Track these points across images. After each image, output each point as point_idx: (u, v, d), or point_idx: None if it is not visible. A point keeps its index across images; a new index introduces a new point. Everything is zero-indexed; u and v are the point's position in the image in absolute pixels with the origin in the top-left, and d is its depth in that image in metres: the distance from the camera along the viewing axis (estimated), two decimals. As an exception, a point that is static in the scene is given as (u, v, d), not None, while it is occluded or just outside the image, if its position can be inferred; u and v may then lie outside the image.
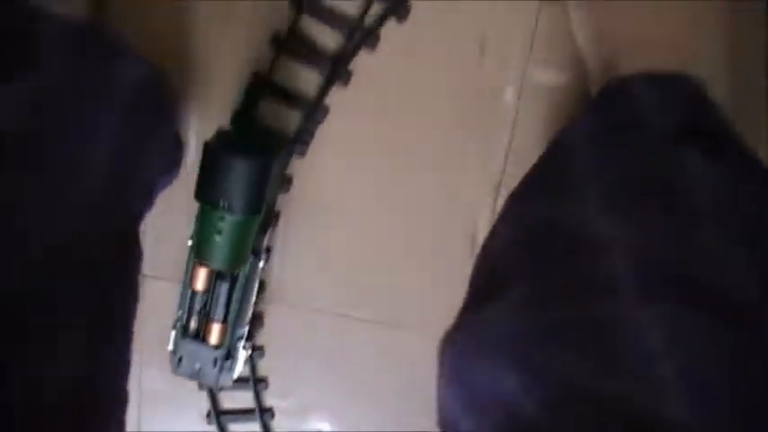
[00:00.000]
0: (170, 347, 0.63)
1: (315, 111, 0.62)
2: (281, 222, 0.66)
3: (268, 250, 0.65)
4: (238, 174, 0.53)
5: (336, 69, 0.61)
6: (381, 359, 0.69)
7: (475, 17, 0.61)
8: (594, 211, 0.43)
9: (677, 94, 0.49)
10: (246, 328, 0.64)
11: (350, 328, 0.68)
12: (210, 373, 0.63)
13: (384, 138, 0.64)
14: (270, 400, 0.71)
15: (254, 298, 0.64)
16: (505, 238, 0.48)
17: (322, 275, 0.67)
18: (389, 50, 0.62)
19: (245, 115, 0.62)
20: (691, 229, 0.41)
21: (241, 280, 0.61)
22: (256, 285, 0.64)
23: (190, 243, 0.60)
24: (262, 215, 0.57)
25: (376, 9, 0.60)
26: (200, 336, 0.62)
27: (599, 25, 0.55)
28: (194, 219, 0.56)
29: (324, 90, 0.62)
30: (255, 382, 0.69)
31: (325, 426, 0.71)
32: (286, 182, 0.64)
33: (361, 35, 0.61)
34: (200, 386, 0.69)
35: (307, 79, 0.62)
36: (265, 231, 0.63)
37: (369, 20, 0.61)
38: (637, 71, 0.49)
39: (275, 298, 0.68)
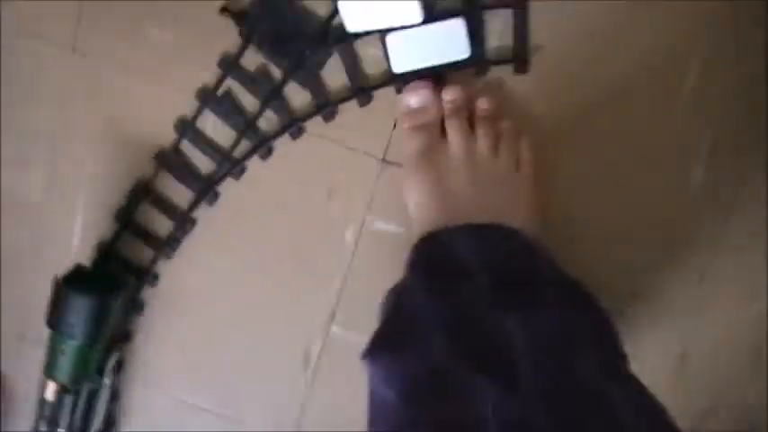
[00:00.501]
0: (25, 452, 0.73)
1: (184, 222, 0.72)
2: (147, 310, 0.75)
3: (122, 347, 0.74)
4: (79, 308, 0.65)
5: (206, 190, 0.71)
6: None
7: (328, 166, 0.69)
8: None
9: (493, 246, 0.57)
10: None
11: (193, 413, 0.76)
12: None
13: (240, 254, 0.73)
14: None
15: (102, 410, 0.74)
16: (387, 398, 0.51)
17: (176, 362, 0.76)
18: (252, 182, 0.71)
19: (124, 216, 0.72)
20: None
21: (83, 394, 0.72)
22: (104, 399, 0.74)
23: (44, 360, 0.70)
24: (102, 342, 0.68)
25: (244, 146, 0.70)
26: None
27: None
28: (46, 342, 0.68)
29: (193, 205, 0.71)
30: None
31: None
32: (139, 305, 0.75)
33: (230, 165, 0.70)
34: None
35: (182, 194, 0.72)
36: (111, 351, 0.73)
37: (237, 153, 0.70)
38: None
39: (138, 379, 0.77)
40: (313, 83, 0.68)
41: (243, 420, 0.77)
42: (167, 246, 0.72)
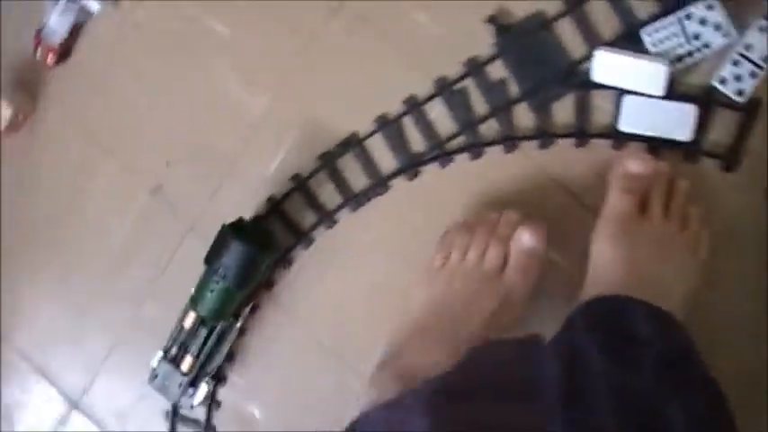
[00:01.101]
0: (153, 364, 0.82)
1: (379, 185, 0.79)
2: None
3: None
4: (237, 256, 0.75)
5: (409, 166, 0.78)
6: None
7: (524, 184, 0.76)
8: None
9: (665, 327, 0.62)
10: (214, 370, 0.84)
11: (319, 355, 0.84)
12: (174, 392, 0.82)
13: (407, 233, 0.80)
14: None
15: (225, 349, 0.83)
16: None
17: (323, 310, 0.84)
18: (446, 176, 0.78)
19: (327, 160, 0.80)
20: None
21: (218, 330, 0.82)
22: (231, 337, 0.83)
23: (192, 292, 0.79)
24: (245, 292, 0.78)
25: (459, 141, 0.77)
26: (177, 363, 0.82)
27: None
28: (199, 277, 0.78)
29: (393, 174, 0.79)
30: (211, 404, 0.87)
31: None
32: (288, 261, 0.84)
33: (439, 152, 0.77)
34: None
35: (386, 160, 0.79)
36: (252, 298, 0.82)
37: (450, 145, 0.77)
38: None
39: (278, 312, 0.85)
40: (542, 111, 0.74)
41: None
42: (355, 201, 0.80)
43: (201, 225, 0.87)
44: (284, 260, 0.84)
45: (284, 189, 0.83)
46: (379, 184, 0.79)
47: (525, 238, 0.71)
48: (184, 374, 0.86)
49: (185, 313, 0.85)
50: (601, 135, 0.74)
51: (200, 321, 0.84)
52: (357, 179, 0.80)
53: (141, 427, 0.92)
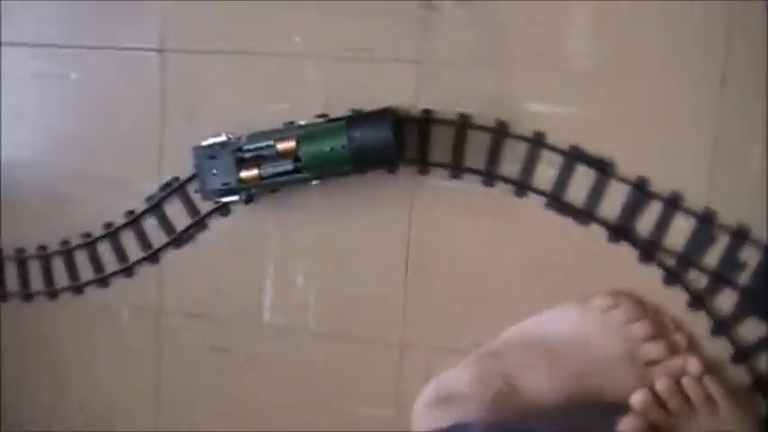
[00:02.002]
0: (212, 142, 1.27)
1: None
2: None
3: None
4: (380, 142, 1.14)
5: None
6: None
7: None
8: None
9: None
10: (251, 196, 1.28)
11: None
12: (213, 184, 1.29)
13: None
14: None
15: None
16: None
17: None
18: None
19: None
20: None
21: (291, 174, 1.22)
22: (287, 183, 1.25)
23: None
24: (351, 169, 1.18)
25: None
26: (239, 165, 1.25)
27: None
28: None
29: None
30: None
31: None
32: None
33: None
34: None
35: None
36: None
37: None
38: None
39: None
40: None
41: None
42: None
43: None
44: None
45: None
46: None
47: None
48: (238, 180, 1.21)
49: (286, 137, 1.15)
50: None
51: (294, 158, 1.15)
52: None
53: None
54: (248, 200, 1.31)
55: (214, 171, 1.26)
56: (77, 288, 1.51)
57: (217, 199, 1.30)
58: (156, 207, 1.43)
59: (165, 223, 1.43)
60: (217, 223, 1.40)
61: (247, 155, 1.23)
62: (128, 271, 1.48)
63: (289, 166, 1.19)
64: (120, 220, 1.47)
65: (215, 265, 1.43)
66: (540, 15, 1.22)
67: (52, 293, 1.53)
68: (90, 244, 1.49)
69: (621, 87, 1.21)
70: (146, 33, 1.43)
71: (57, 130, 1.51)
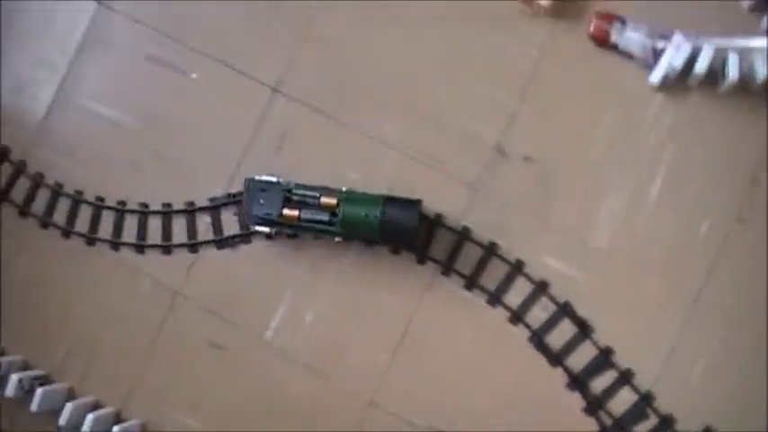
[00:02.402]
0: (266, 178, 1.53)
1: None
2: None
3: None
4: (406, 224, 1.44)
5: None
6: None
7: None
8: None
9: None
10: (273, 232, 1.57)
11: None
12: (255, 211, 1.53)
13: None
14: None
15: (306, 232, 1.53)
16: None
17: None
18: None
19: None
20: None
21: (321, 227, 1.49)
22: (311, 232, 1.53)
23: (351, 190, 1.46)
24: (376, 239, 1.43)
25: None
26: (282, 202, 1.51)
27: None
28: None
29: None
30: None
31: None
32: None
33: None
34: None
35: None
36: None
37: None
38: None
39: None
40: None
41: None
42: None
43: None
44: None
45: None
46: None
47: None
48: (279, 215, 1.48)
49: (331, 194, 1.44)
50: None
51: (332, 213, 1.43)
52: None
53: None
54: (270, 236, 1.59)
55: (261, 201, 1.51)
56: (116, 245, 1.70)
57: (254, 224, 1.54)
58: (214, 208, 1.65)
59: (217, 225, 1.65)
60: (259, 242, 1.63)
61: (295, 197, 1.50)
62: (167, 249, 1.68)
63: (325, 217, 1.47)
64: (178, 205, 1.68)
65: (242, 275, 1.64)
66: (584, 188, 1.53)
67: (91, 240, 1.71)
68: (144, 213, 1.69)
69: (622, 275, 1.50)
70: (268, 69, 1.68)
71: (154, 111, 1.73)
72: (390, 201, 1.44)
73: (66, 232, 1.74)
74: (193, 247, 1.67)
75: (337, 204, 1.46)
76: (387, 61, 1.64)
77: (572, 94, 1.58)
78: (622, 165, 1.54)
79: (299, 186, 1.51)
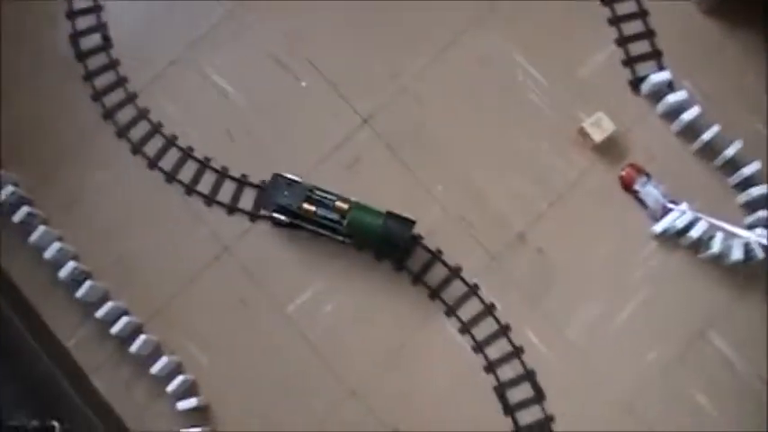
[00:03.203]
0: (291, 176, 1.92)
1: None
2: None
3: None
4: (401, 235, 1.85)
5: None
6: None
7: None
8: None
9: None
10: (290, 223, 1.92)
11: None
12: (276, 197, 1.91)
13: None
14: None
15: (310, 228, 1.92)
16: None
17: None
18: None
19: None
20: None
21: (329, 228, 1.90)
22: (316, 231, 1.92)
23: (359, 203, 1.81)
24: (377, 245, 1.82)
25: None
26: (302, 198, 1.89)
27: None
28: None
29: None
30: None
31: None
32: None
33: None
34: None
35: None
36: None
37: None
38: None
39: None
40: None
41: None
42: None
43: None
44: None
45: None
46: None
47: None
48: (297, 208, 1.84)
49: (344, 201, 1.80)
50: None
51: (341, 216, 1.79)
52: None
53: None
54: (280, 223, 1.94)
55: (286, 193, 1.88)
56: (190, 190, 2.00)
57: (273, 211, 1.90)
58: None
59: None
60: (307, 234, 1.95)
61: (315, 197, 1.88)
62: (232, 210, 1.98)
63: (335, 217, 1.86)
64: (253, 180, 1.99)
65: (286, 255, 1.96)
66: (573, 290, 1.92)
67: (171, 178, 2.01)
68: (222, 174, 2.00)
69: (577, 366, 1.88)
70: (365, 102, 2.04)
71: (260, 98, 2.05)
72: (392, 215, 1.83)
73: (152, 164, 2.02)
74: (254, 217, 1.97)
75: (348, 210, 1.84)
76: (457, 136, 2.02)
77: (590, 216, 1.97)
78: (608, 285, 1.93)
79: (319, 189, 1.89)
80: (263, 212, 1.96)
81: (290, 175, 1.91)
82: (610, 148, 1.99)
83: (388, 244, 1.83)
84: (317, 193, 1.88)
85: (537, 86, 2.03)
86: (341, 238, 1.88)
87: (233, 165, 2.01)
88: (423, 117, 2.02)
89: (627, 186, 1.98)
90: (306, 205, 1.85)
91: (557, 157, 1.99)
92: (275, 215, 1.90)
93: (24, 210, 1.93)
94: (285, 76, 2.06)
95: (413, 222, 1.83)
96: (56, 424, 1.46)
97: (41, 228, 1.93)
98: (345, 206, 1.84)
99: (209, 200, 1.99)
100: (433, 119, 2.02)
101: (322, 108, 2.04)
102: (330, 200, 1.86)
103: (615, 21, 2.06)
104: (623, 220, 1.97)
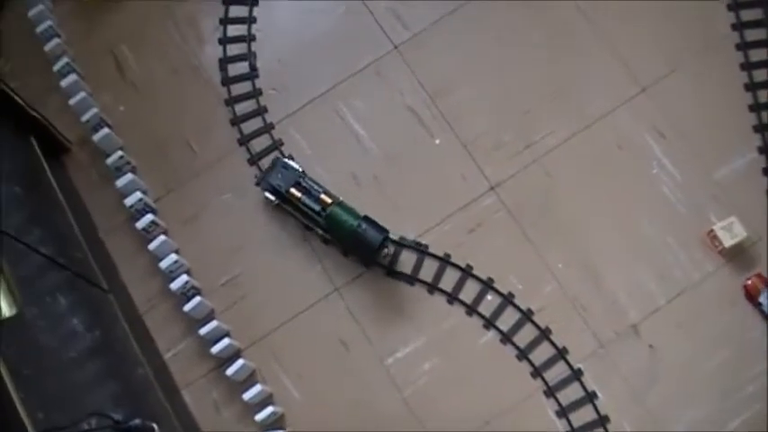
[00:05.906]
0: (295, 165, 2.00)
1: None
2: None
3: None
4: (372, 244, 1.90)
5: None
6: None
7: None
8: None
9: None
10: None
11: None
12: (271, 178, 2.02)
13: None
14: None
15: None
16: None
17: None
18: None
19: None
20: None
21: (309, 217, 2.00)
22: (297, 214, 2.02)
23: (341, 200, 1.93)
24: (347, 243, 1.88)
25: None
26: (290, 182, 2.00)
27: None
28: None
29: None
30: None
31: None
32: None
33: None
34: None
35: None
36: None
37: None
38: None
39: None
40: None
41: None
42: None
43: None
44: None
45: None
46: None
47: None
48: (285, 191, 1.94)
49: (329, 195, 1.91)
50: None
51: (322, 208, 1.90)
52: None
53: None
54: (270, 203, 2.03)
55: (280, 175, 1.99)
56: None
57: (264, 189, 2.01)
58: (399, 245, 1.97)
59: (394, 258, 1.97)
60: (417, 290, 1.94)
61: (304, 184, 1.98)
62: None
63: (317, 207, 1.94)
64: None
65: (397, 306, 1.97)
66: (677, 394, 1.83)
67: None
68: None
69: None
70: (493, 166, 2.04)
71: (392, 147, 2.08)
72: (369, 219, 1.88)
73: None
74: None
75: (330, 204, 1.92)
76: (583, 215, 1.99)
77: (708, 320, 1.91)
78: (717, 394, 1.86)
79: (310, 179, 1.98)
80: (378, 259, 1.98)
81: (292, 163, 2.02)
82: (738, 255, 1.94)
83: (358, 244, 1.90)
84: (307, 181, 1.98)
85: (671, 180, 2.00)
86: (320, 231, 1.98)
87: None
88: (551, 190, 2.02)
89: (751, 296, 1.91)
90: (293, 190, 1.97)
91: (682, 254, 1.95)
92: (267, 194, 2.01)
93: (149, 217, 1.99)
94: (420, 130, 2.09)
95: (387, 231, 1.89)
96: (155, 426, 1.47)
97: (161, 237, 1.98)
98: (329, 200, 1.94)
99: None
100: (561, 194, 2.01)
101: (451, 168, 2.05)
102: (317, 191, 1.97)
103: (761, 128, 2.03)
104: (742, 330, 1.90)
